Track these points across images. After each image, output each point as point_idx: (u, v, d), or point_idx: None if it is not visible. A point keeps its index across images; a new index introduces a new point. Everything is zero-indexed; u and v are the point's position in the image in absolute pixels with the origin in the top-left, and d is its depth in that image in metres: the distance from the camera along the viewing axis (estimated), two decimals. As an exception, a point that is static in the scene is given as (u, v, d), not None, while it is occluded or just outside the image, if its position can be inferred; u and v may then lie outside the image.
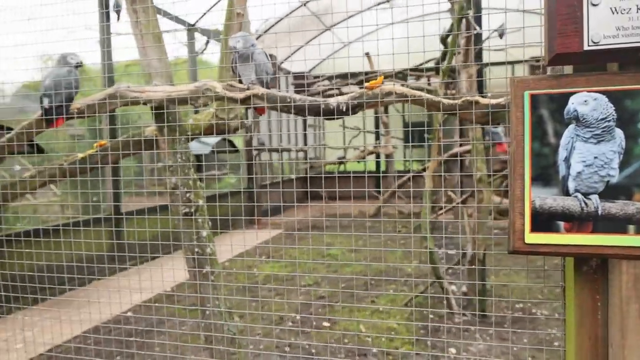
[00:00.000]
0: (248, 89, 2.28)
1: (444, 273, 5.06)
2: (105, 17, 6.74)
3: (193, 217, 2.67)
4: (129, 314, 5.28)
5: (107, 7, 6.62)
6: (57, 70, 2.60)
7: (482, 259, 4.71)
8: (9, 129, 4.14)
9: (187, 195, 2.65)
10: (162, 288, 5.60)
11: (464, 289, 5.23)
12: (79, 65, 2.73)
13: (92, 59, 7.43)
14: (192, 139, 2.78)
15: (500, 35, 6.18)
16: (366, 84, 2.22)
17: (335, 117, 2.23)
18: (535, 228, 1.22)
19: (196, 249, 2.71)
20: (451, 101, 2.12)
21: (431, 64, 9.75)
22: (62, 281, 4.37)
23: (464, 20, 4.74)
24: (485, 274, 5.06)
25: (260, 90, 2.27)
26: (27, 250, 3.72)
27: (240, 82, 2.39)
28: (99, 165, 2.97)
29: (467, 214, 5.22)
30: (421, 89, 3.30)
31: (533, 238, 1.23)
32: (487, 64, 7.01)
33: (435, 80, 10.53)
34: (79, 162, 2.91)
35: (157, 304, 5.00)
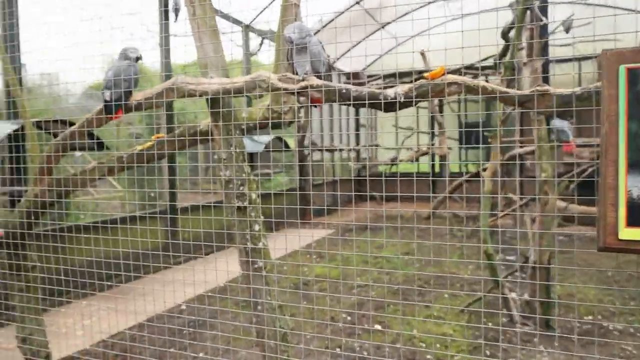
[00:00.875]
0: (303, 79, 2.22)
1: (503, 280, 4.83)
2: (164, 16, 6.91)
3: (246, 210, 2.64)
4: (183, 306, 5.36)
5: (166, 6, 6.78)
6: (118, 64, 2.64)
7: (546, 266, 4.46)
8: (65, 122, 4.28)
9: (241, 188, 2.63)
10: (215, 282, 5.66)
11: (526, 297, 4.97)
12: (138, 59, 2.77)
13: (152, 59, 7.65)
14: (247, 132, 2.76)
15: (567, 30, 5.86)
16: (426, 74, 2.11)
17: (395, 108, 2.13)
18: (632, 222, 1.06)
19: (248, 243, 2.68)
20: (520, 92, 1.98)
21: (489, 61, 9.43)
22: (120, 273, 4.48)
23: (527, 13, 4.51)
24: (550, 283, 4.79)
25: (316, 80, 2.20)
26: (89, 241, 3.83)
27: (296, 73, 2.33)
28: (157, 157, 3.00)
29: (529, 219, 4.97)
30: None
31: (629, 234, 1.07)
32: (553, 60, 6.67)
33: (494, 77, 10.17)
34: (137, 154, 2.96)
35: (212, 295, 5.06)
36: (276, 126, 2.88)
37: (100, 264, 3.56)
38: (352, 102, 2.17)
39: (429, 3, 11.51)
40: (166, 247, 7.05)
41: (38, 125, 5.52)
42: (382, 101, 2.13)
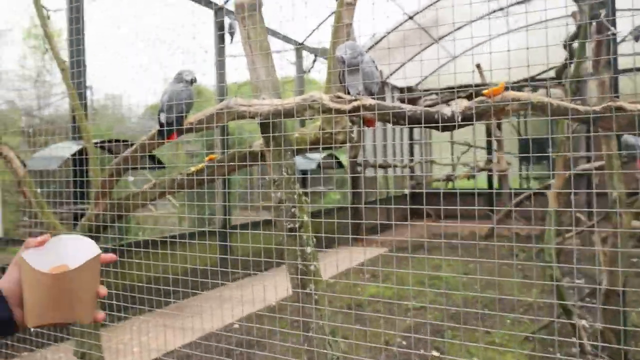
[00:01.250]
0: (356, 99, 2.16)
1: (573, 306, 4.52)
2: (219, 39, 7.08)
3: (297, 233, 2.58)
4: (236, 325, 5.37)
5: (222, 29, 6.95)
6: (173, 87, 2.68)
7: (619, 291, 4.13)
8: (126, 142, 4.41)
9: (292, 210, 2.58)
10: (268, 301, 5.64)
11: (598, 325, 4.62)
12: (193, 81, 2.80)
13: (209, 81, 7.84)
14: (299, 153, 2.72)
15: (637, 38, 5.51)
16: (485, 91, 1.99)
17: (450, 127, 2.02)
18: None
19: (300, 266, 2.62)
20: (591, 108, 1.83)
21: (551, 73, 9.04)
22: (177, 289, 4.54)
23: (593, 23, 4.27)
24: (626, 312, 4.43)
25: (368, 100, 2.13)
26: (147, 258, 3.90)
27: (348, 93, 2.27)
28: (209, 180, 3.01)
29: (600, 240, 4.64)
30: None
31: None
32: (627, 70, 6.29)
33: (556, 90, 9.74)
34: (191, 175, 2.98)
35: (264, 314, 5.03)
36: (329, 145, 2.83)
37: (158, 281, 3.61)
38: (406, 123, 2.08)
39: (483, 17, 11.24)
40: (222, 264, 7.13)
41: (101, 146, 5.75)
42: (439, 121, 2.03)
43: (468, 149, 12.71)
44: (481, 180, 13.81)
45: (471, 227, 10.52)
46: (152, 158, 5.66)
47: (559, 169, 4.42)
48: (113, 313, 4.33)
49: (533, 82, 9.02)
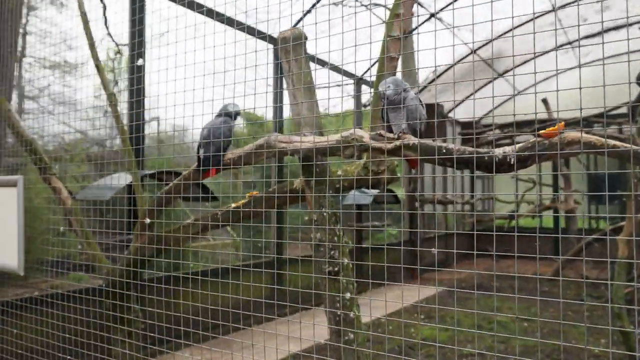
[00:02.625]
0: (398, 138, 2.02)
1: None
2: (278, 70, 7.16)
3: (334, 277, 2.44)
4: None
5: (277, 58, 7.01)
6: (214, 120, 2.65)
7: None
8: (177, 174, 4.45)
9: (332, 252, 2.45)
10: (314, 340, 5.46)
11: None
12: (237, 114, 2.76)
13: (270, 113, 7.94)
14: (342, 191, 2.60)
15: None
16: (541, 132, 1.81)
17: (500, 171, 1.84)
18: None
19: (339, 312, 2.47)
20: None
21: (622, 110, 8.50)
22: (225, 322, 4.47)
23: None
24: None
25: (411, 139, 1.99)
26: (194, 289, 3.86)
27: (391, 130, 2.14)
28: (252, 215, 2.94)
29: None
30: (613, 138, 2.71)
31: None
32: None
33: (628, 127, 9.13)
34: (232, 212, 2.92)
35: (307, 355, 4.85)
36: (374, 185, 2.69)
37: (205, 313, 3.54)
38: (454, 166, 1.92)
39: (549, 51, 10.83)
40: (272, 297, 7.03)
41: (159, 177, 5.89)
42: (490, 164, 1.86)
43: (533, 186, 12.12)
44: (547, 220, 13.07)
45: (534, 268, 9.91)
46: (204, 188, 5.71)
47: (630, 212, 4.05)
48: (154, 347, 4.32)
49: (599, 119, 8.51)
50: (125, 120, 4.83)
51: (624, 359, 4.44)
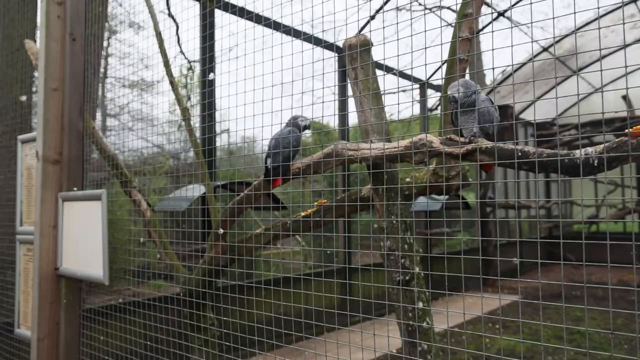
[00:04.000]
0: (470, 142, 1.96)
1: None
2: (343, 78, 7.18)
3: (408, 287, 2.39)
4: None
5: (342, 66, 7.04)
6: (282, 131, 2.69)
7: None
8: (248, 184, 4.56)
9: (402, 260, 2.40)
10: (384, 349, 5.39)
11: None
12: (306, 127, 2.79)
13: (336, 121, 7.98)
14: (410, 199, 2.55)
15: None
16: (630, 130, 1.69)
17: (583, 175, 1.74)
18: None
19: (411, 322, 2.42)
20: None
21: None
22: (297, 330, 4.52)
23: None
24: None
25: (484, 143, 1.92)
26: (267, 297, 3.93)
27: (462, 135, 2.08)
28: (323, 224, 2.95)
29: None
30: None
31: None
32: None
33: None
34: (302, 221, 2.95)
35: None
36: (446, 191, 2.62)
37: (276, 321, 3.60)
38: (530, 169, 1.83)
39: (630, 44, 10.16)
40: (341, 306, 7.03)
41: (230, 188, 6.06)
42: (571, 167, 1.76)
43: (615, 189, 11.38)
44: (632, 224, 12.19)
45: (618, 276, 9.27)
46: (274, 198, 5.82)
47: None
48: (230, 356, 4.41)
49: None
50: (197, 134, 5.00)
51: None
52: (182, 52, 8.50)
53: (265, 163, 2.66)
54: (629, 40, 9.95)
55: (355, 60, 2.56)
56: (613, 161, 1.73)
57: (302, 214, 2.94)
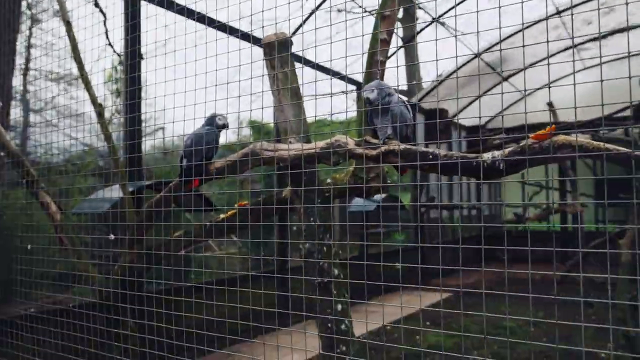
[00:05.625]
0: (384, 143, 1.95)
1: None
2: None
3: (328, 288, 2.36)
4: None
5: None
6: (198, 131, 2.58)
7: None
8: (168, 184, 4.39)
9: (322, 263, 2.37)
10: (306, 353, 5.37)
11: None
12: (224, 126, 2.69)
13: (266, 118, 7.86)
14: (332, 201, 2.52)
15: None
16: (531, 135, 1.73)
17: (490, 177, 1.76)
18: None
19: (329, 324, 2.39)
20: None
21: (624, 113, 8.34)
22: (231, 333, 4.38)
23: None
24: None
25: (396, 145, 1.92)
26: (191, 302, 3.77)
27: (377, 136, 2.07)
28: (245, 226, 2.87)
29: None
30: (618, 141, 2.60)
31: None
32: None
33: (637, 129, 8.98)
34: (222, 222, 2.86)
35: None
36: (366, 193, 2.61)
37: (203, 326, 3.46)
38: (439, 172, 1.84)
39: (554, 54, 10.73)
40: (276, 308, 6.93)
41: (157, 188, 5.82)
42: (478, 169, 1.78)
43: (540, 190, 11.96)
44: (555, 224, 12.89)
45: (543, 272, 9.71)
46: (205, 198, 5.64)
47: (635, 215, 3.94)
48: None
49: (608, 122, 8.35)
50: (120, 130, 4.78)
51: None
52: (110, 44, 8.12)
53: (180, 163, 2.54)
54: (553, 50, 10.48)
55: (274, 59, 2.50)
56: (518, 164, 1.76)
57: (222, 216, 2.85)
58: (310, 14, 8.29)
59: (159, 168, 7.47)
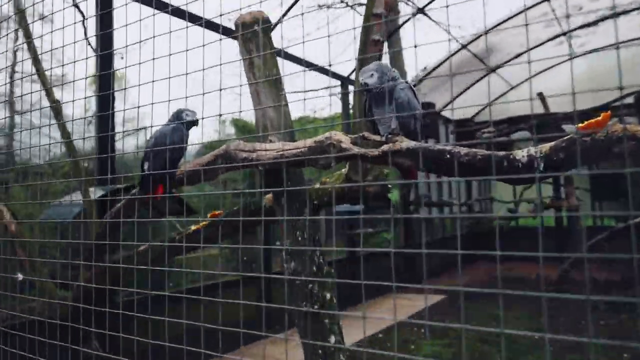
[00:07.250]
0: (387, 141, 1.54)
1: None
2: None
3: (318, 317, 1.95)
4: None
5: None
6: (163, 129, 2.15)
7: None
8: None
9: (310, 286, 1.96)
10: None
11: None
12: (193, 124, 2.26)
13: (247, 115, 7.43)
14: (318, 211, 2.11)
15: None
16: (580, 124, 1.33)
17: (527, 181, 1.37)
18: None
19: (319, 350, 1.98)
20: None
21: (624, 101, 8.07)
22: (212, 344, 3.96)
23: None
24: None
25: (405, 142, 1.51)
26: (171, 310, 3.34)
27: (378, 131, 1.66)
28: (219, 238, 2.46)
29: None
30: None
31: None
32: None
33: (631, 119, 8.71)
34: (192, 235, 2.44)
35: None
36: (359, 199, 2.21)
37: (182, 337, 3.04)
38: (456, 174, 1.44)
39: (543, 43, 10.43)
40: (249, 319, 6.51)
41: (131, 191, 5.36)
42: (510, 171, 1.38)
43: (531, 185, 11.67)
44: (549, 220, 12.60)
45: (536, 271, 9.45)
46: (180, 202, 5.20)
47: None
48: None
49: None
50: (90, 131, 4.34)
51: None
52: (89, 43, 7.64)
53: (142, 167, 2.11)
54: (543, 39, 10.18)
55: (250, 42, 2.08)
56: (561, 164, 1.37)
57: (193, 227, 2.43)
58: (291, 7, 7.86)
59: (136, 169, 6.99)
